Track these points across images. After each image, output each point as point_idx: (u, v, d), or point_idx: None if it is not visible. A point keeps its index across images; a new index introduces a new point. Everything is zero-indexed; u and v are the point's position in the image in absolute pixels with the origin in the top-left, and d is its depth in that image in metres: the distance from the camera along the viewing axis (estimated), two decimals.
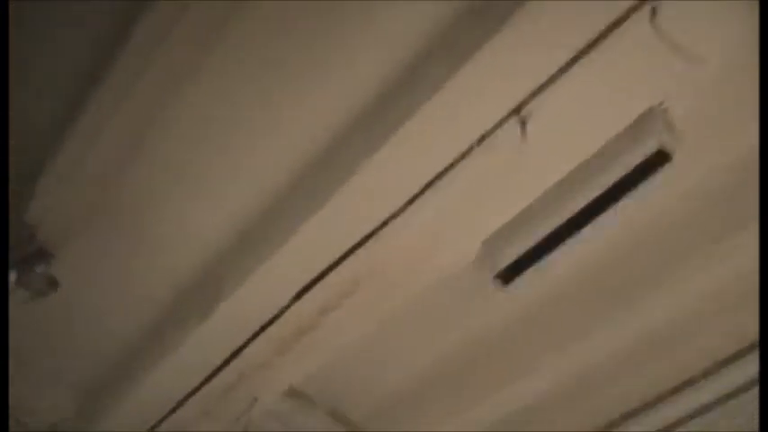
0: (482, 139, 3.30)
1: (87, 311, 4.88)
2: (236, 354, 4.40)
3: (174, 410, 4.89)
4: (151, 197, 4.22)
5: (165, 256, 4.48)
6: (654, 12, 2.83)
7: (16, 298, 4.29)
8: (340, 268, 3.83)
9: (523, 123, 3.24)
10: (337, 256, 3.79)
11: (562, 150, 3.45)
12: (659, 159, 3.36)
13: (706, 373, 4.52)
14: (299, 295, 4.01)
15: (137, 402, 4.94)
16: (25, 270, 4.22)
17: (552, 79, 3.11)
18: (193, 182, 4.10)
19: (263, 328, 4.22)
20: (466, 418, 4.89)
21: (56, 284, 4.34)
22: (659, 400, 4.72)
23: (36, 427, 5.28)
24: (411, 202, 3.54)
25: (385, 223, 3.62)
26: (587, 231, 3.69)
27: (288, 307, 4.07)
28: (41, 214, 4.11)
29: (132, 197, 4.23)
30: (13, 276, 4.19)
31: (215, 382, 4.60)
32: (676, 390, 4.66)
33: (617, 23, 2.89)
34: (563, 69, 3.07)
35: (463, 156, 3.37)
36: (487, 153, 3.33)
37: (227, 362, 4.47)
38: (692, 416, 4.67)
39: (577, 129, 3.37)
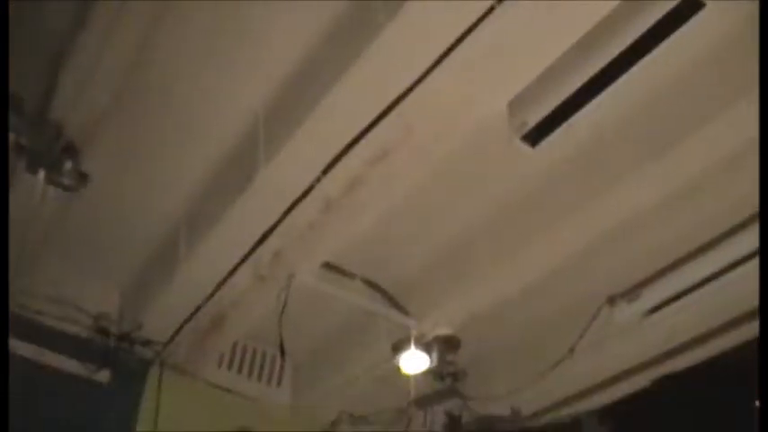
0: None
1: (123, 201, 4.94)
2: (271, 230, 4.45)
3: (213, 293, 4.98)
4: (177, 78, 4.18)
5: (196, 135, 4.50)
6: None
7: (50, 195, 4.32)
8: (370, 135, 3.82)
9: None
10: (367, 122, 3.77)
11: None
12: (692, 6, 3.26)
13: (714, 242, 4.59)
14: (331, 165, 4.01)
15: (177, 288, 5.05)
16: (54, 167, 4.21)
17: None
18: (219, 57, 4.05)
19: (297, 201, 4.24)
20: (495, 283, 4.98)
21: (86, 179, 4.34)
22: (673, 266, 4.82)
23: (83, 318, 5.41)
24: (436, 64, 3.48)
25: (412, 87, 3.57)
26: (617, 86, 3.64)
27: (320, 178, 4.09)
28: (65, 111, 4.06)
29: (157, 81, 4.19)
30: (41, 174, 4.19)
31: (252, 260, 4.68)
32: (683, 259, 4.76)
33: None
34: None
35: (486, 14, 3.28)
36: (510, 10, 3.24)
37: (262, 239, 4.52)
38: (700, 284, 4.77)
39: None
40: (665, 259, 4.81)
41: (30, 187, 4.26)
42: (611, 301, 5.07)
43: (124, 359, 5.46)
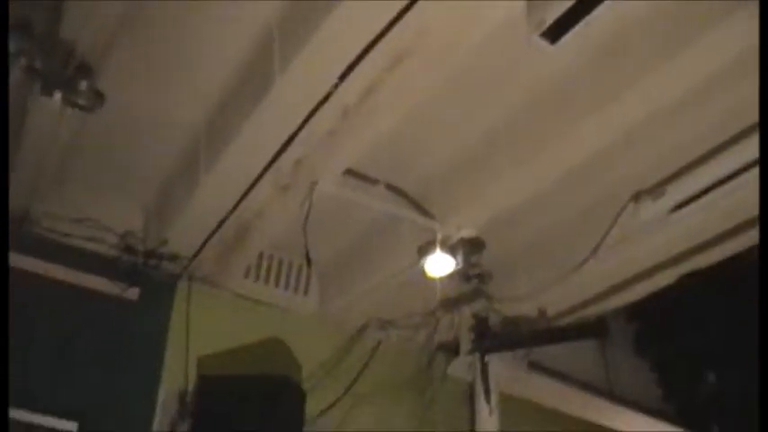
0: None
1: (140, 119, 4.92)
2: (290, 139, 4.41)
3: (236, 205, 4.99)
4: None
5: (210, 48, 4.42)
6: None
7: (67, 116, 4.30)
8: (386, 38, 3.72)
9: None
10: (382, 25, 3.67)
11: None
12: None
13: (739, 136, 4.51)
14: (347, 71, 3.92)
15: (200, 202, 5.06)
16: (70, 88, 4.18)
17: None
18: None
19: (315, 109, 4.18)
20: (517, 184, 4.95)
21: (102, 97, 4.31)
22: (698, 161, 4.74)
23: (109, 237, 5.47)
24: None
25: None
26: None
27: (338, 84, 4.01)
28: (76, 30, 3.99)
29: None
30: (58, 96, 4.17)
31: (273, 170, 4.66)
32: (708, 155, 4.68)
33: None
34: None
35: None
36: None
37: (282, 149, 4.49)
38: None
39: None
40: (690, 155, 4.74)
41: (47, 110, 4.24)
42: (636, 198, 5.02)
43: (152, 275, 5.54)
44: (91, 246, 5.37)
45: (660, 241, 5.21)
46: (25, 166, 4.78)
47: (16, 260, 4.94)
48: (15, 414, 4.69)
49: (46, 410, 4.86)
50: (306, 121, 4.27)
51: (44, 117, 4.32)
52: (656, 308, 5.97)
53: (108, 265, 5.43)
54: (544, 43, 3.99)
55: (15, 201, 5.00)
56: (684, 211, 4.87)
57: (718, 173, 4.62)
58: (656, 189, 4.92)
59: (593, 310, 5.95)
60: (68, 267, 5.26)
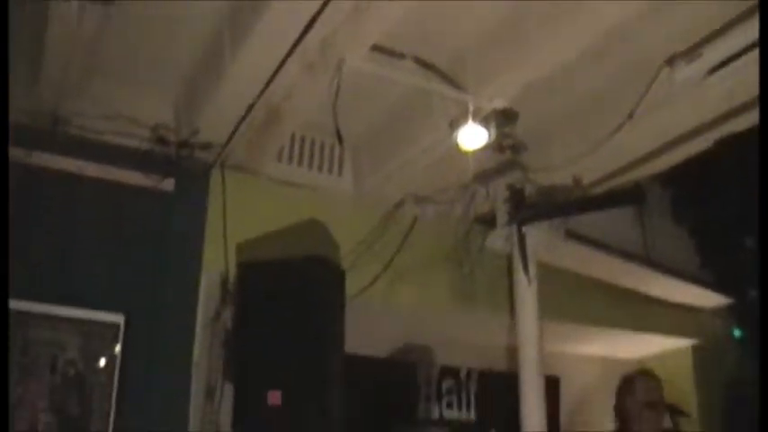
0: None
1: (161, 9, 4.79)
2: (314, 18, 4.32)
3: (264, 88, 4.96)
4: None
5: None
6: None
7: (89, 11, 4.24)
8: None
9: None
10: None
11: None
12: None
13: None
14: None
15: (228, 88, 5.02)
16: None
17: None
18: None
19: None
20: (549, 51, 4.79)
21: None
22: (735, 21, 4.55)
23: (141, 131, 5.48)
24: None
25: None
26: None
27: None
28: None
29: None
30: None
31: (299, 50, 4.59)
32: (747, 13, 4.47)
33: None
34: None
35: None
36: None
37: (307, 29, 4.41)
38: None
39: None
40: (727, 16, 4.56)
41: (67, 6, 4.17)
42: (671, 62, 4.88)
43: (186, 165, 5.57)
44: (123, 140, 5.38)
45: (696, 105, 5.10)
46: (51, 67, 4.77)
47: (51, 161, 5.06)
48: (62, 311, 4.89)
49: (92, 305, 5.03)
50: (317, 14, 4.22)
51: (64, 14, 4.25)
52: (693, 173, 5.89)
53: (142, 159, 5.45)
54: None
55: (45, 102, 5.05)
56: (720, 73, 4.73)
57: (755, 33, 4.45)
58: (691, 52, 4.77)
59: (629, 177, 5.92)
60: (102, 164, 5.31)
